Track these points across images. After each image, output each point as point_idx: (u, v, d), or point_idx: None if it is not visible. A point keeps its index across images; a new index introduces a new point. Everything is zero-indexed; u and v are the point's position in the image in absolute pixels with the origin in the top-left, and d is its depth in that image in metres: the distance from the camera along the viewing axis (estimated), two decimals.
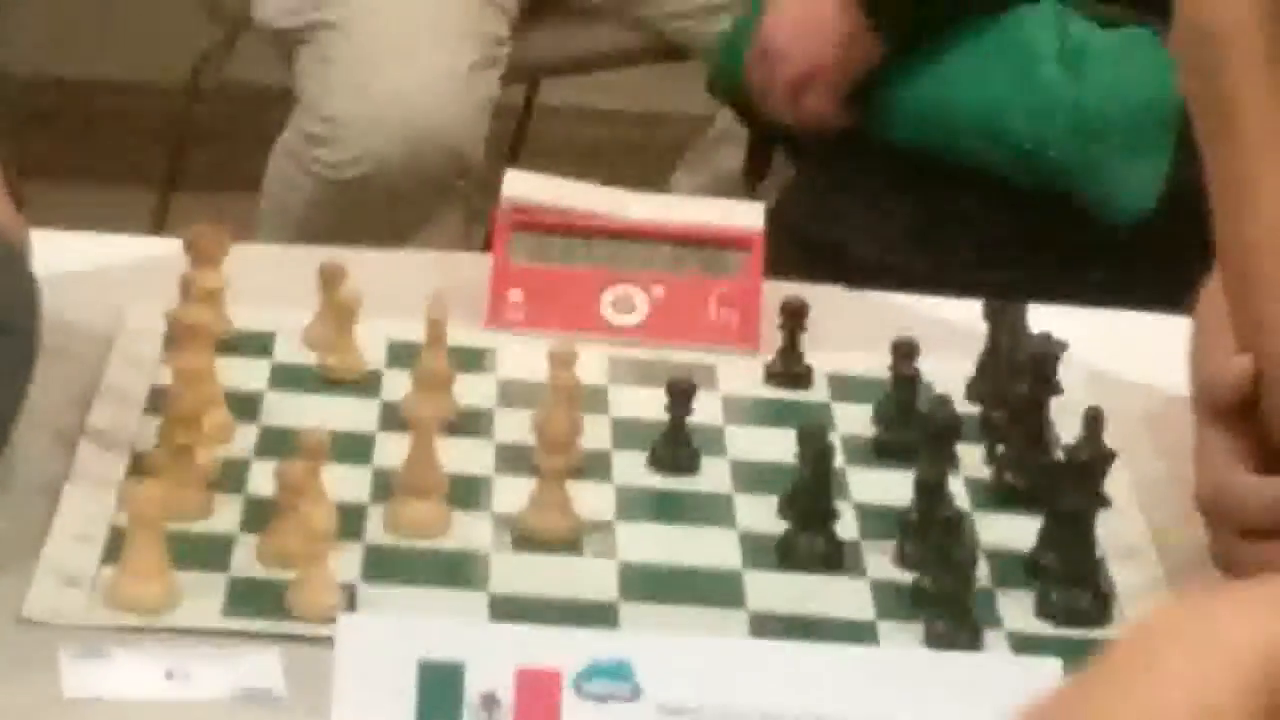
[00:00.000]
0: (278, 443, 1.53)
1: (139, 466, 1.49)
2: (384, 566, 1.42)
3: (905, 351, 1.60)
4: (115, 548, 1.39)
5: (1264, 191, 1.40)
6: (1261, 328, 1.41)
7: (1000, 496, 1.54)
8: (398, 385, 1.61)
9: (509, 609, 1.39)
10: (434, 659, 1.24)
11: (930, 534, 1.43)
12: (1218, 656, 0.89)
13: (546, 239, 1.74)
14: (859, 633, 1.39)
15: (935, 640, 1.35)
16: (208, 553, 1.42)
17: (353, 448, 1.54)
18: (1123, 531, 1.48)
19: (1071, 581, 1.41)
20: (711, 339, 1.72)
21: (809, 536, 1.45)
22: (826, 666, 1.26)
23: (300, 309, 1.69)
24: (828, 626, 1.39)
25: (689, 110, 3.12)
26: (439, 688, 1.23)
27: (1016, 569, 1.44)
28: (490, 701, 1.23)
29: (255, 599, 1.38)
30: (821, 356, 1.69)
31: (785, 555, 1.45)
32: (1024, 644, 1.36)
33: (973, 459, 1.56)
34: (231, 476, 1.49)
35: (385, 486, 1.50)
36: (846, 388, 1.68)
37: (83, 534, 1.42)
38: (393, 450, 1.52)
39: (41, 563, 1.39)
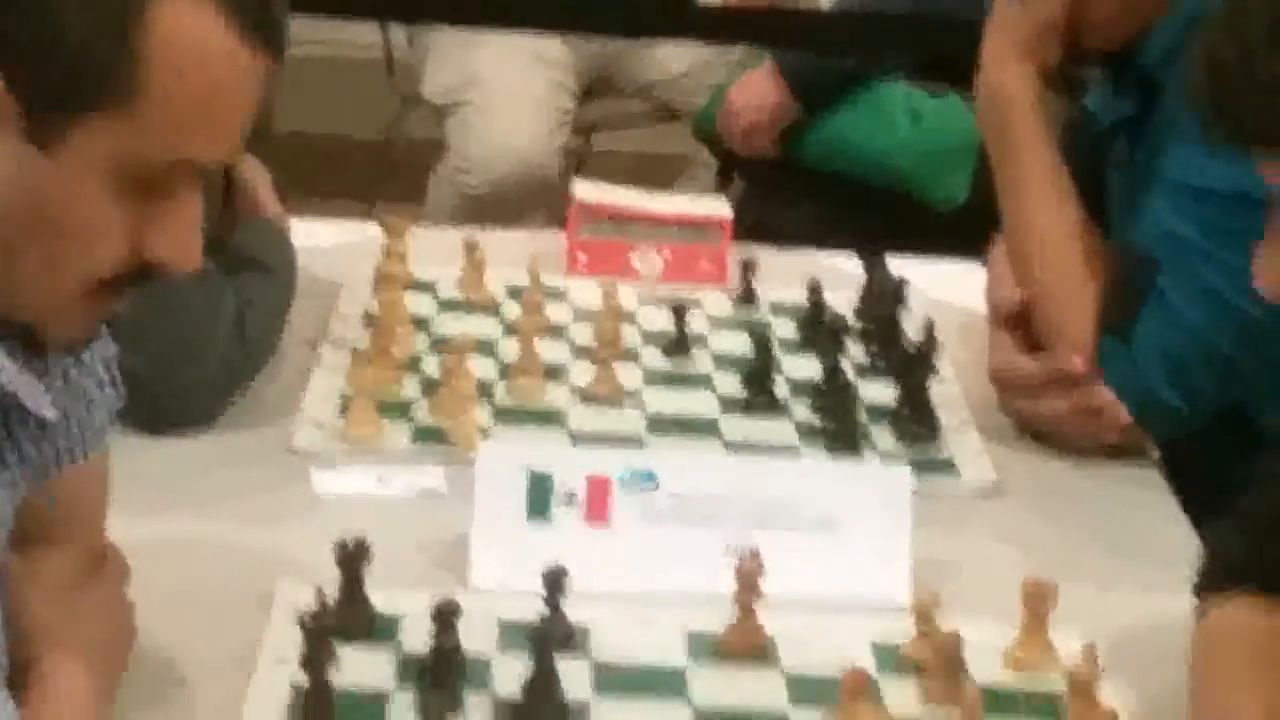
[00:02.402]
0: (440, 344, 1.93)
1: (358, 359, 1.89)
2: (505, 417, 1.84)
3: (814, 286, 2.07)
4: (345, 406, 1.79)
5: (1030, 198, 1.90)
6: (1027, 276, 1.88)
7: (873, 371, 1.97)
8: (512, 310, 2.03)
9: (580, 439, 1.81)
10: (536, 470, 1.59)
11: (831, 394, 1.87)
12: None
13: (599, 222, 2.20)
14: (789, 452, 1.82)
15: (833, 455, 1.79)
16: (399, 409, 1.82)
17: (485, 347, 1.95)
18: (946, 391, 1.92)
19: (914, 420, 1.84)
20: (699, 279, 2.18)
21: (758, 396, 1.88)
22: (769, 469, 1.68)
23: (452, 266, 2.11)
24: (770, 449, 1.82)
25: (681, 151, 3.83)
26: (538, 488, 1.59)
27: (882, 414, 1.87)
28: (570, 496, 1.60)
29: (429, 437, 1.78)
30: (764, 289, 2.14)
31: (745, 408, 1.88)
32: (885, 457, 1.81)
33: (857, 350, 2.00)
34: (413, 364, 1.91)
35: (505, 370, 1.90)
36: (780, 308, 2.12)
37: (326, 398, 1.83)
38: (509, 349, 1.93)
39: (300, 415, 1.80)
